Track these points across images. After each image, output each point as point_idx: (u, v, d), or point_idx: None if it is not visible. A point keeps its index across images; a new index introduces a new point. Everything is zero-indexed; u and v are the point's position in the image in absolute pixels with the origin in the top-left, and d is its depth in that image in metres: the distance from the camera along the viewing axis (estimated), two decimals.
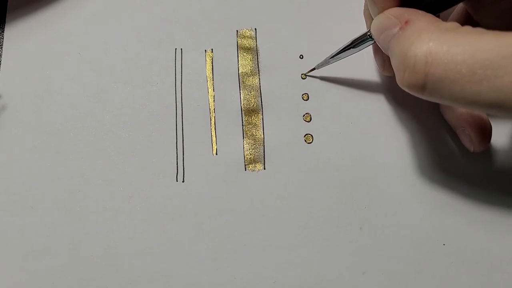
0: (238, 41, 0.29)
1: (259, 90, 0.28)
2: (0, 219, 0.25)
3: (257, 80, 0.28)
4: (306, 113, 0.28)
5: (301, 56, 0.29)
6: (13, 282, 0.24)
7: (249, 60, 0.29)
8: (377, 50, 0.27)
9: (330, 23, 0.29)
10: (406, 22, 0.20)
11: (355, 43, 0.25)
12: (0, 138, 0.27)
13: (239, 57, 0.29)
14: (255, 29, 0.30)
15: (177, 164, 0.27)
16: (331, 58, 0.27)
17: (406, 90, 0.20)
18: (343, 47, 0.26)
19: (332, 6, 0.30)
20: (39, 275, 0.25)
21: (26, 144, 0.27)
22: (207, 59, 0.29)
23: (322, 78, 0.28)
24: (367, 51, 0.28)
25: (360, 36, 0.25)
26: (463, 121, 0.25)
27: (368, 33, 0.24)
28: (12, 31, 0.29)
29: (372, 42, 0.24)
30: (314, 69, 0.28)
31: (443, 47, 0.18)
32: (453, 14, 0.26)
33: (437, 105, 0.28)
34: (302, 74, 0.29)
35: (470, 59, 0.17)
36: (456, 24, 0.19)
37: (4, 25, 0.29)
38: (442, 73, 0.18)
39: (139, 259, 0.25)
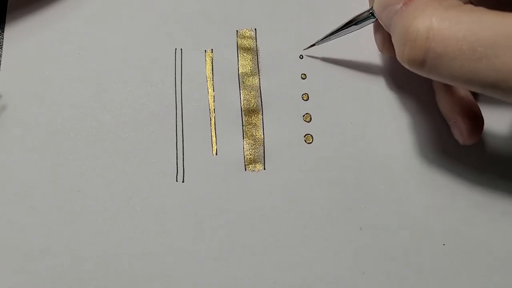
0: (238, 41, 0.29)
1: (259, 90, 0.28)
2: (0, 219, 0.25)
3: (257, 80, 0.28)
4: (306, 113, 0.28)
5: (301, 56, 0.29)
6: (13, 282, 0.24)
7: (249, 60, 0.29)
8: (378, 29, 0.27)
9: (330, 23, 0.29)
10: None
11: (357, 20, 0.25)
12: (0, 138, 0.27)
13: (239, 57, 0.29)
14: (255, 29, 0.30)
15: (177, 164, 0.27)
16: (331, 34, 0.27)
17: (406, 66, 0.20)
18: (344, 23, 0.26)
19: (332, 6, 0.30)
20: (39, 275, 0.25)
21: (26, 144, 0.27)
22: (207, 59, 0.29)
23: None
24: (369, 52, 0.28)
25: (362, 13, 0.25)
26: (455, 113, 0.25)
27: (370, 11, 0.24)
28: (12, 31, 0.29)
29: (374, 20, 0.24)
30: (314, 45, 0.28)
31: (446, 23, 0.18)
32: None
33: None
34: (301, 54, 0.29)
35: (472, 36, 0.17)
36: (459, 2, 0.19)
37: (4, 25, 0.29)
38: (442, 49, 0.18)
39: (139, 259, 0.25)
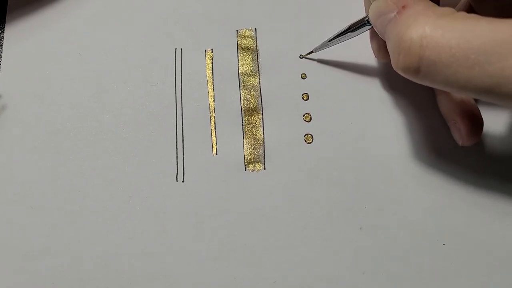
0: (238, 41, 0.29)
1: (259, 90, 0.28)
2: (0, 219, 0.25)
3: (257, 80, 0.28)
4: (306, 113, 0.28)
5: (301, 56, 0.29)
6: (13, 282, 0.24)
7: (249, 60, 0.29)
8: (374, 36, 0.27)
9: (330, 23, 0.29)
10: (403, 7, 0.20)
11: (353, 28, 0.25)
12: (0, 138, 0.27)
13: (239, 57, 0.29)
14: (255, 29, 0.30)
15: (177, 164, 0.27)
16: (329, 41, 0.27)
17: (401, 73, 0.20)
18: (341, 31, 0.26)
19: (332, 6, 0.30)
20: (39, 275, 0.25)
21: (26, 144, 0.27)
22: (207, 59, 0.29)
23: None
24: (369, 53, 0.28)
25: (358, 21, 0.25)
26: (455, 114, 0.26)
27: (366, 18, 0.24)
28: (12, 31, 0.29)
29: (370, 27, 0.24)
30: (312, 52, 0.28)
31: (438, 31, 0.18)
32: (457, 7, 0.27)
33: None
34: (301, 54, 0.29)
35: (464, 44, 0.18)
36: (452, 10, 0.19)
37: (4, 25, 0.29)
38: (436, 57, 0.18)
39: (139, 259, 0.25)
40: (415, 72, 0.19)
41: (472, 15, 0.19)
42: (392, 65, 0.21)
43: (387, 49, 0.22)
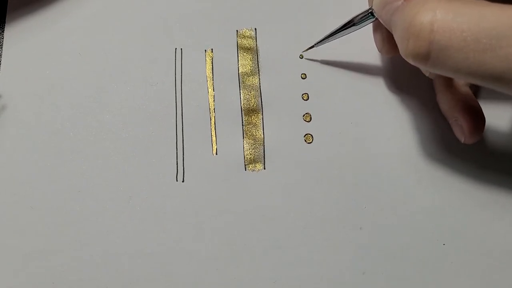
0: (238, 41, 0.29)
1: (259, 90, 0.28)
2: (0, 219, 0.25)
3: (257, 80, 0.28)
4: (306, 113, 0.28)
5: (301, 56, 0.29)
6: (13, 282, 0.25)
7: (249, 60, 0.29)
8: (377, 29, 0.27)
9: (330, 23, 0.29)
10: None
11: (356, 21, 0.25)
12: (0, 138, 0.27)
13: (239, 57, 0.29)
14: (255, 29, 0.30)
15: (177, 164, 0.27)
16: (330, 35, 0.27)
17: (410, 60, 0.20)
18: (343, 24, 0.26)
19: (332, 6, 0.30)
20: (39, 275, 0.25)
21: (26, 144, 0.27)
22: (207, 59, 0.29)
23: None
24: (369, 52, 0.28)
25: (361, 13, 0.25)
26: (456, 111, 0.25)
27: (370, 11, 0.24)
28: (12, 31, 0.29)
29: (373, 19, 0.24)
30: (313, 47, 0.28)
31: (449, 15, 0.18)
32: None
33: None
34: (301, 54, 0.29)
35: (476, 27, 0.17)
36: None
37: (4, 25, 0.29)
38: (447, 41, 0.18)
39: (139, 259, 0.25)
40: (425, 58, 0.19)
41: (482, 1, 0.18)
42: (401, 53, 0.20)
43: (390, 43, 0.21)
